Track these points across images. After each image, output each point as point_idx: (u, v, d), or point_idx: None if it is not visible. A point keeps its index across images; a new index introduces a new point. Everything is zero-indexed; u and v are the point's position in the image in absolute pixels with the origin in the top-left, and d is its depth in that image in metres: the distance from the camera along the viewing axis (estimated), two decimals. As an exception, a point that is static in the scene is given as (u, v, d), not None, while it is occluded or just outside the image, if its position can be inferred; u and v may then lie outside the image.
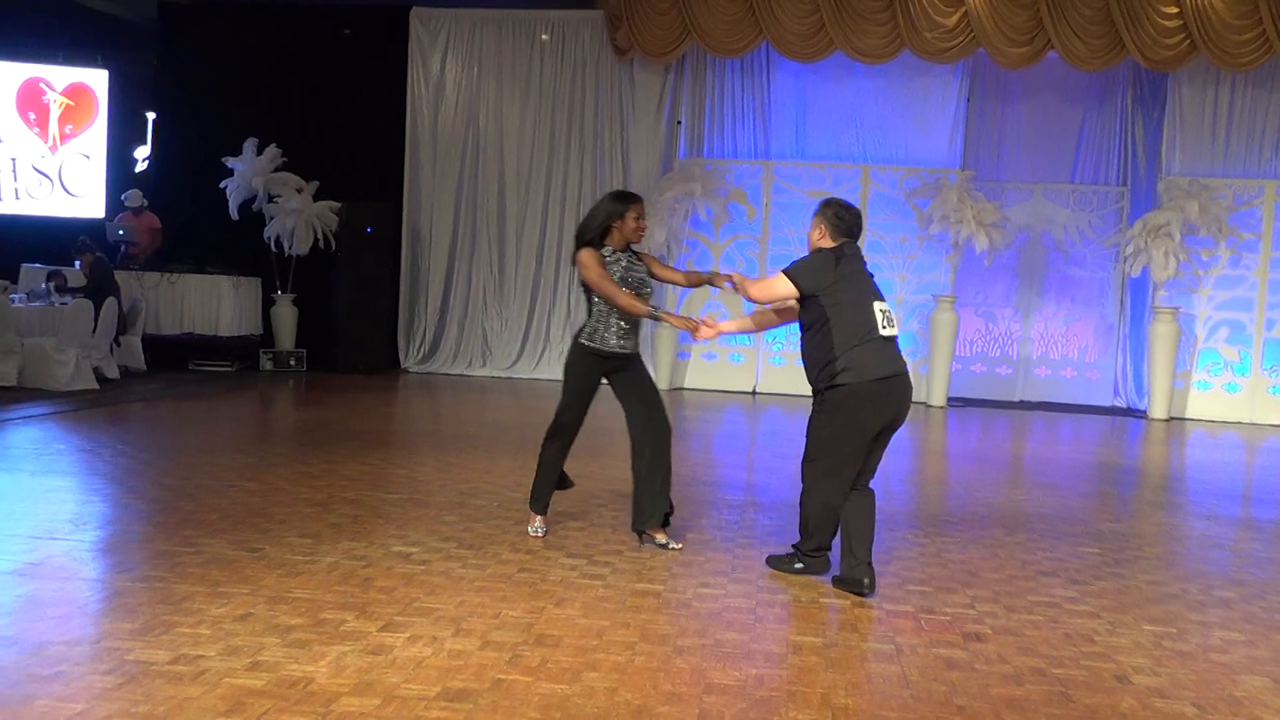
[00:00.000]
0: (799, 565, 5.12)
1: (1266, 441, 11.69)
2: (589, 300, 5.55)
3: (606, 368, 5.53)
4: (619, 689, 3.65)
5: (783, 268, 5.03)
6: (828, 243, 5.02)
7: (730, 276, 5.47)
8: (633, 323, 5.48)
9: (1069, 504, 7.45)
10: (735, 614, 4.56)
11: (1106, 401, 13.86)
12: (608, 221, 5.49)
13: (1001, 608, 4.82)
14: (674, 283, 5.79)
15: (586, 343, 5.49)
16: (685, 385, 13.80)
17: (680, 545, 5.56)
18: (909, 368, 5.05)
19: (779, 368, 13.54)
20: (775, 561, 5.23)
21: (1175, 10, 12.31)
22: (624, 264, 5.50)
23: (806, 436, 5.07)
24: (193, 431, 9.01)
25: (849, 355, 4.81)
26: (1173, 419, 12.90)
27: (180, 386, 11.64)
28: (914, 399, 14.17)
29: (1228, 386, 13.18)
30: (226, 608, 4.29)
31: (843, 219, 5.04)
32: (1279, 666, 4.20)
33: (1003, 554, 5.83)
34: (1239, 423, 12.94)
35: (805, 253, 5.16)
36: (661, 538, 5.55)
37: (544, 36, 14.11)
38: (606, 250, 5.50)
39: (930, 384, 13.18)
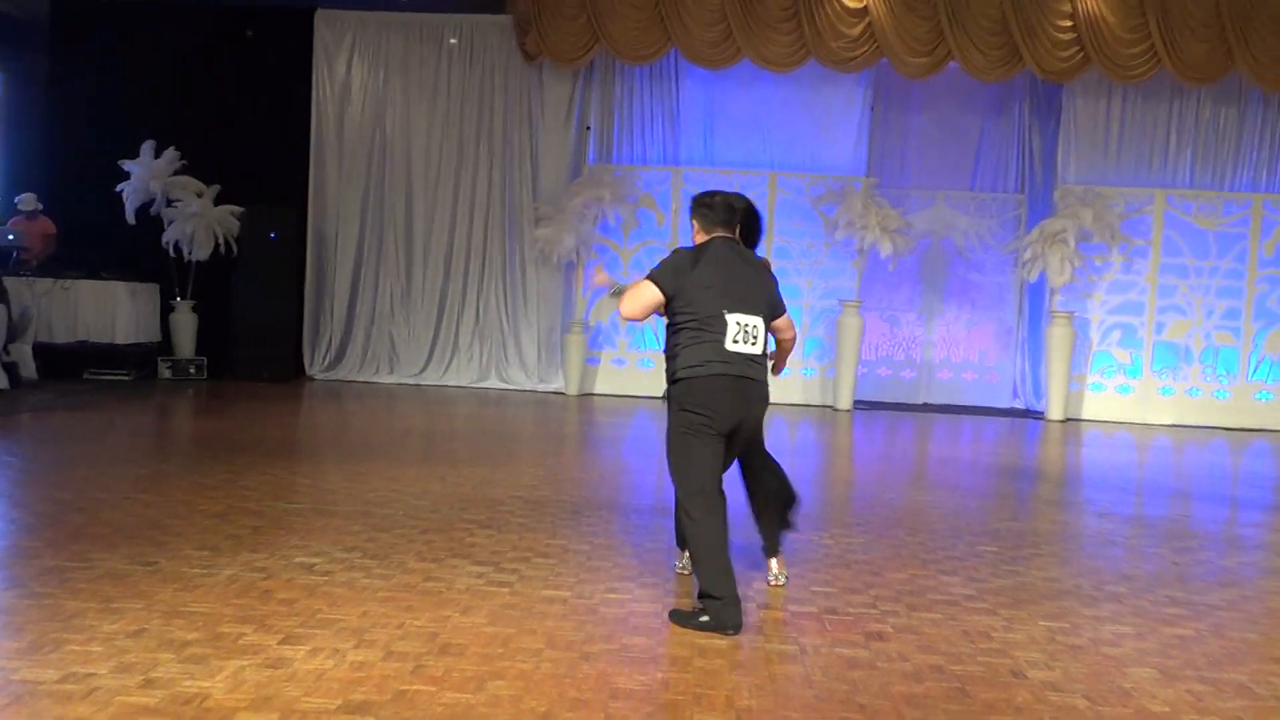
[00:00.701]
0: (704, 619, 4.43)
1: (1157, 441, 12.11)
2: None
3: None
4: (524, 696, 3.63)
5: (647, 273, 4.68)
6: (702, 238, 4.73)
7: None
8: None
9: (969, 504, 7.62)
10: (642, 619, 4.57)
11: (1006, 403, 14.23)
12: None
13: (903, 606, 4.91)
14: None
15: None
16: (595, 391, 13.81)
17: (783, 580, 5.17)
18: (764, 378, 4.68)
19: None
20: (679, 617, 4.56)
21: (1069, 24, 12.73)
22: None
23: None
24: (86, 443, 8.74)
25: (689, 350, 4.52)
26: (1069, 420, 13.29)
27: (74, 396, 11.28)
28: (821, 402, 14.30)
29: (1120, 388, 13.63)
30: (119, 624, 4.17)
31: (712, 207, 4.72)
32: (1165, 658, 4.35)
33: (905, 554, 5.94)
34: (1131, 423, 13.39)
35: None
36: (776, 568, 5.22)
37: (452, 41, 14.01)
38: None
39: (836, 387, 13.40)
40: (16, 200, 13.28)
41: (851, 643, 4.37)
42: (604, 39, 13.14)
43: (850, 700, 3.75)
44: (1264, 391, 13.50)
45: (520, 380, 14.01)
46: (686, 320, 4.57)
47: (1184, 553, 6.34)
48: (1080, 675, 4.10)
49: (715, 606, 4.42)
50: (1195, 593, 5.39)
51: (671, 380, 4.64)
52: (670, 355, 4.67)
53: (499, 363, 14.10)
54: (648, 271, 4.69)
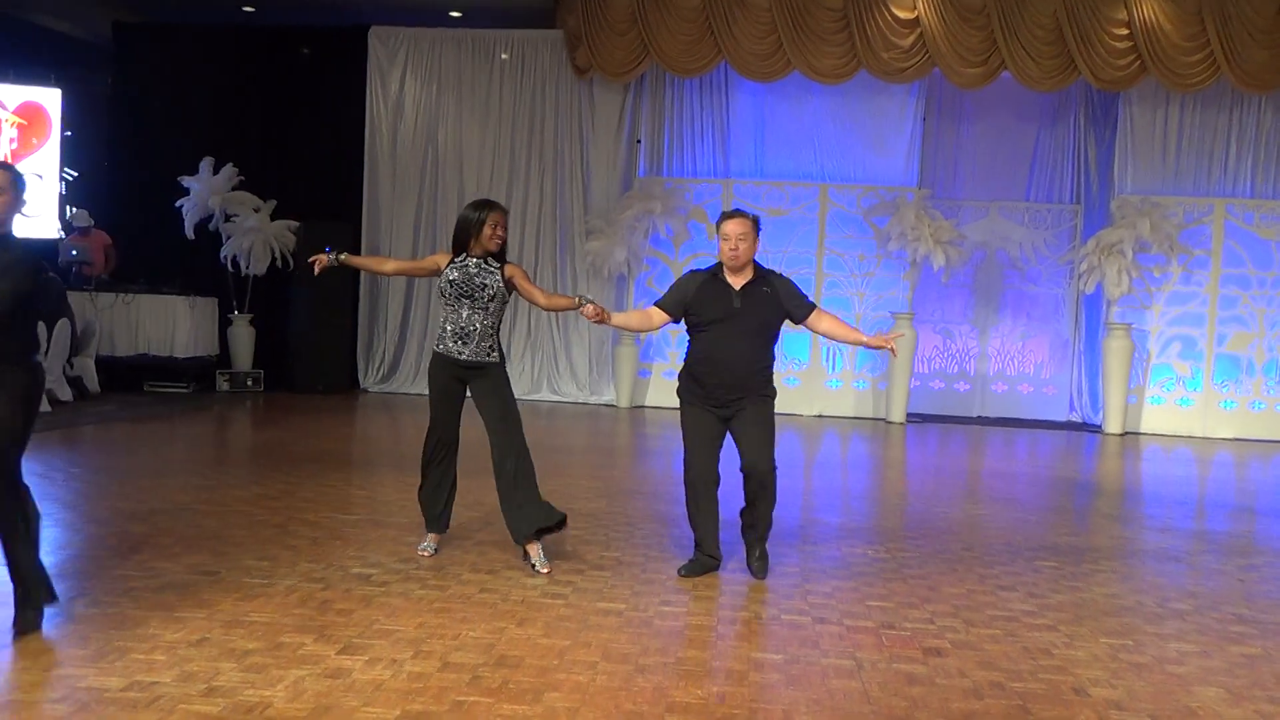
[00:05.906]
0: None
1: (1218, 455, 11.87)
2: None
3: (455, 374, 5.67)
4: (580, 709, 3.63)
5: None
6: None
7: (595, 306, 5.35)
8: (464, 328, 5.58)
9: (1026, 518, 7.52)
10: (697, 632, 4.56)
11: (1062, 416, 14.02)
12: (465, 230, 5.55)
13: (961, 622, 4.85)
14: (532, 301, 5.78)
15: (435, 346, 5.70)
16: (646, 403, 13.81)
17: (548, 569, 5.38)
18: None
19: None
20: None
21: (1125, 32, 12.56)
22: (471, 270, 5.58)
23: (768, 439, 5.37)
24: (147, 454, 8.89)
25: None
26: (1127, 433, 13.07)
27: (135, 408, 11.49)
28: (874, 415, 14.16)
29: (1180, 401, 13.38)
30: (181, 633, 4.23)
31: None
32: (1232, 677, 4.26)
33: (961, 569, 5.87)
34: (1192, 437, 13.13)
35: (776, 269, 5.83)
36: (533, 554, 5.43)
37: (503, 56, 14.13)
38: (460, 258, 5.60)
39: (890, 400, 13.28)
40: (69, 217, 13.57)
41: (909, 658, 4.32)
42: (654, 52, 13.17)
43: (909, 717, 3.71)
44: (1329, 405, 13.18)
45: (571, 392, 14.05)
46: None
47: (1249, 569, 6.21)
48: (1145, 694, 4.03)
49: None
50: (1261, 610, 5.28)
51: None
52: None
53: (550, 375, 14.15)
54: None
